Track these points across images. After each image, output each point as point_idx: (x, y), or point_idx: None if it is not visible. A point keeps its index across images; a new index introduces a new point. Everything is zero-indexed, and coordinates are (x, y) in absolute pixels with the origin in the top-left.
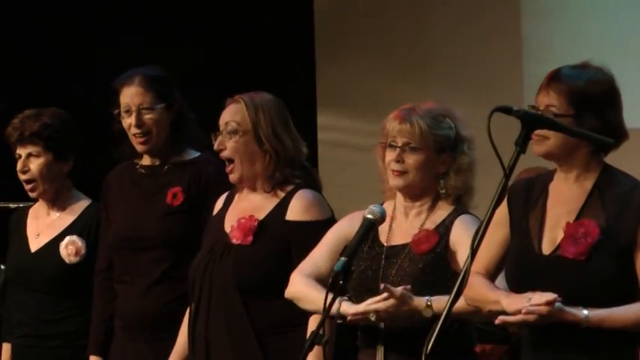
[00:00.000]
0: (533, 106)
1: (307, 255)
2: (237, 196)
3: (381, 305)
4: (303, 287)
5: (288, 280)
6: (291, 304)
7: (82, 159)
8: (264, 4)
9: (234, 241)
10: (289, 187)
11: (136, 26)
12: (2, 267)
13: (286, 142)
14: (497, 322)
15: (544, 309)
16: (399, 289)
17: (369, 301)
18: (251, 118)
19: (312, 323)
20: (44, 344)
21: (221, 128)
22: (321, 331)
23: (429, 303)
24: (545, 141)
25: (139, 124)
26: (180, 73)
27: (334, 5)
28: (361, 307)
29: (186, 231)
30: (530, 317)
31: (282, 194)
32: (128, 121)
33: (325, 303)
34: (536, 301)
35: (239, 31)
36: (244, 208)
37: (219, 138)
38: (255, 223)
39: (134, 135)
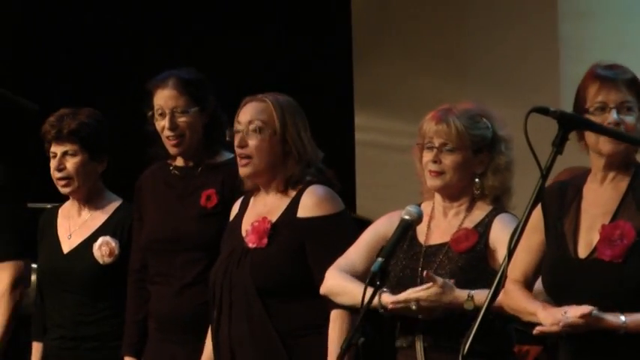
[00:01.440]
0: (603, 102)
1: (323, 250)
2: (252, 200)
3: (423, 294)
4: (340, 281)
5: (307, 278)
6: (312, 305)
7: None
8: (302, 4)
9: (250, 245)
10: (300, 186)
11: (173, 25)
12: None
13: (307, 145)
14: (535, 332)
15: (581, 321)
16: (441, 279)
17: (411, 290)
18: (278, 119)
19: (333, 317)
20: (81, 345)
21: (240, 126)
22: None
23: (470, 295)
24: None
25: (173, 127)
26: (215, 74)
27: (371, 5)
28: (402, 295)
29: (220, 233)
30: (568, 328)
31: (293, 193)
32: (161, 124)
33: (363, 301)
34: (572, 314)
35: (277, 32)
36: (259, 212)
37: (241, 135)
38: (269, 226)
39: (167, 138)
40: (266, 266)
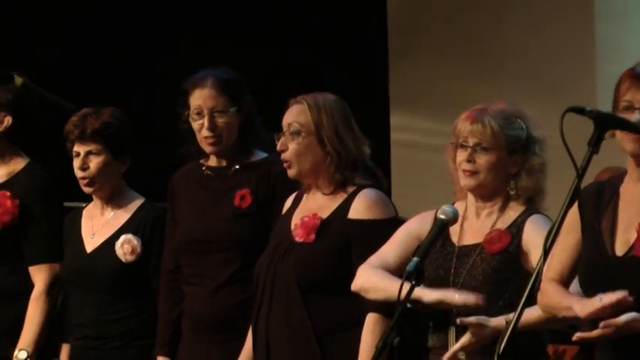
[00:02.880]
0: (629, 101)
1: (368, 253)
2: (304, 196)
3: (464, 339)
4: (371, 277)
5: (349, 278)
6: (350, 303)
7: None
8: (338, 3)
9: (297, 239)
10: (352, 188)
11: (204, 25)
12: None
13: (348, 143)
14: (574, 339)
15: (620, 321)
16: (473, 318)
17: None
18: (314, 120)
19: (369, 321)
20: (104, 345)
21: (284, 129)
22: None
23: (508, 321)
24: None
25: (212, 127)
26: (251, 73)
27: (408, 4)
28: (448, 352)
29: (254, 233)
30: (608, 331)
31: (345, 194)
32: (199, 123)
33: (398, 299)
34: (608, 300)
35: (312, 31)
36: (310, 208)
37: (282, 139)
38: (319, 222)
39: (205, 137)
40: (310, 262)
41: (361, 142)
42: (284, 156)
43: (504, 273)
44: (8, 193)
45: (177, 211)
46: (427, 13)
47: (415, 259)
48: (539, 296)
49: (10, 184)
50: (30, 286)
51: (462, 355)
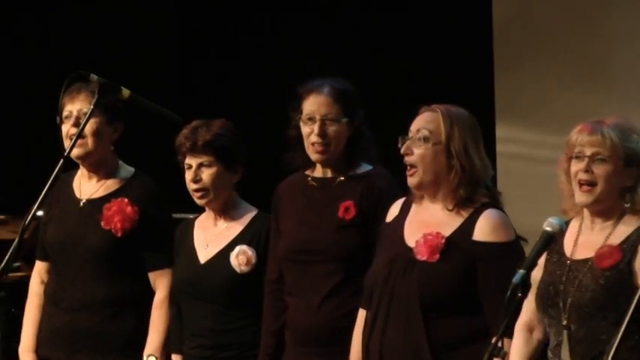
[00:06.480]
0: None
1: (494, 276)
2: (414, 206)
3: None
4: (514, 349)
5: (472, 298)
6: (471, 321)
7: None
8: (443, 15)
9: (419, 257)
10: (475, 206)
11: (306, 36)
12: None
13: (475, 160)
14: None
15: None
16: None
17: None
18: (446, 130)
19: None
20: (220, 354)
21: (411, 134)
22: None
23: None
24: None
25: (322, 134)
26: (357, 86)
27: (513, 16)
28: None
29: (358, 245)
30: None
31: (467, 213)
32: (310, 129)
33: (506, 315)
34: None
35: (418, 43)
36: (427, 223)
37: (407, 142)
38: (443, 241)
39: (312, 144)
40: (436, 282)
41: (486, 162)
42: (409, 159)
43: (613, 290)
44: (127, 200)
45: (282, 221)
46: (533, 25)
47: (521, 271)
48: None
49: (124, 191)
50: (148, 293)
51: None
